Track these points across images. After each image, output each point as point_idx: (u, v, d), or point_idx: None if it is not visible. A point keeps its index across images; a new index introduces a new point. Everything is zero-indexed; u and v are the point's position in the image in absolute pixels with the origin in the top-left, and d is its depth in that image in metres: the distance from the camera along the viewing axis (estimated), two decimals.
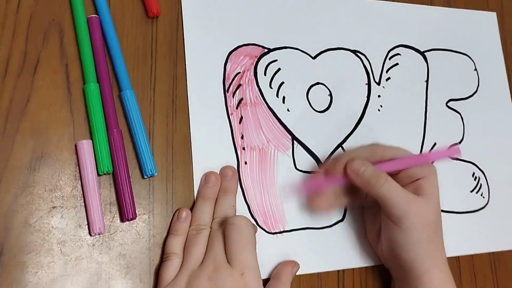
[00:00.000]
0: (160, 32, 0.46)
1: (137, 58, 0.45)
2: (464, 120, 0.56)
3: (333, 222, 0.48)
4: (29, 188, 0.39)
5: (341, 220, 0.48)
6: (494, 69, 0.60)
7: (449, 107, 0.56)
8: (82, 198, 0.40)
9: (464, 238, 0.52)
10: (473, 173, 0.55)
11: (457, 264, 0.51)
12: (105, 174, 0.41)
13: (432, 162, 0.46)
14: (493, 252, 0.53)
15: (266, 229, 0.46)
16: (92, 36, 0.43)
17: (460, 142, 0.55)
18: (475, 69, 0.59)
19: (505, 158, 0.56)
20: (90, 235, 0.40)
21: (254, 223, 0.45)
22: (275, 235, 0.46)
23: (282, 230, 0.46)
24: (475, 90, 0.58)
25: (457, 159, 0.54)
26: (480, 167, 0.55)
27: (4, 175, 0.38)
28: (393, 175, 0.44)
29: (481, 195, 0.54)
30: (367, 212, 0.47)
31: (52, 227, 0.39)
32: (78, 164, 0.40)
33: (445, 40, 0.58)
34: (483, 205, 0.54)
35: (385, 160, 0.44)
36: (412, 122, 0.54)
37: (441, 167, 0.50)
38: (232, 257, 0.39)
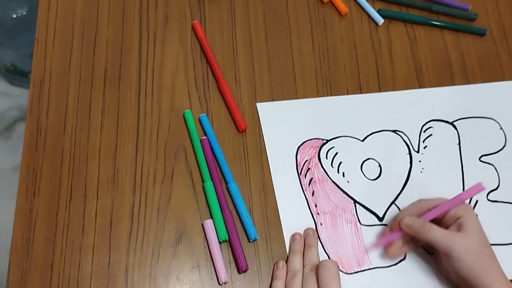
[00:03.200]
0: (248, 140, 0.69)
1: (235, 160, 0.67)
2: (497, 170, 0.71)
3: (397, 261, 0.64)
4: (176, 255, 0.61)
5: (403, 259, 0.64)
6: None
7: (482, 161, 0.72)
8: (211, 259, 0.61)
9: None
10: None
11: None
12: (224, 241, 0.62)
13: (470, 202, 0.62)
14: None
15: (344, 271, 0.63)
16: (204, 150, 0.66)
17: (497, 188, 0.70)
18: (501, 128, 0.75)
19: None
20: (219, 284, 0.60)
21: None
22: (351, 275, 0.63)
23: (357, 270, 0.63)
24: (503, 144, 0.73)
25: (495, 201, 0.69)
26: None
27: (161, 248, 0.61)
28: (440, 219, 0.61)
29: None
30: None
31: (194, 280, 0.60)
32: (205, 236, 0.62)
33: (470, 110, 0.75)
34: None
35: (429, 210, 0.61)
36: (451, 177, 0.70)
37: (485, 209, 0.67)
38: (323, 287, 0.57)
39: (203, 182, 0.65)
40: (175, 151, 0.67)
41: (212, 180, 0.65)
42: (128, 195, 0.63)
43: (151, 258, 0.60)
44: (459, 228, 0.59)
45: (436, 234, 0.58)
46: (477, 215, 0.61)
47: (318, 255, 0.63)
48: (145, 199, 0.63)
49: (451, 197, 0.61)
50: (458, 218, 0.60)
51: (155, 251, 0.61)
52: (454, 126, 0.74)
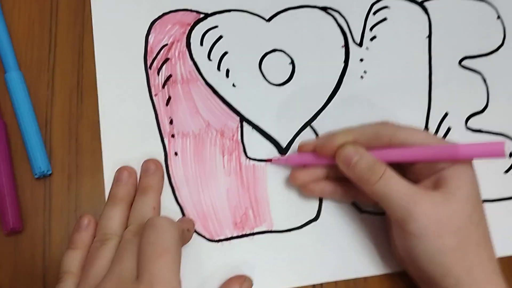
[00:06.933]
0: (62, 0, 0.41)
1: (32, 34, 0.40)
2: (487, 82, 0.45)
3: (303, 222, 0.39)
4: None
5: (315, 219, 0.39)
6: None
7: (464, 67, 0.46)
8: None
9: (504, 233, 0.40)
10: None
11: None
12: None
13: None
14: None
15: (207, 236, 0.37)
16: None
17: (483, 110, 0.44)
18: (499, 17, 0.48)
19: None
20: None
21: (188, 228, 0.36)
22: (219, 243, 0.37)
23: (229, 236, 0.37)
24: (500, 43, 0.47)
25: (478, 130, 0.43)
26: None
27: None
28: (409, 165, 0.35)
29: None
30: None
31: None
32: None
33: None
34: None
35: (393, 145, 0.35)
36: (411, 88, 0.44)
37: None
38: (142, 267, 0.30)
39: None
40: None
41: None
42: None
43: None
44: (437, 185, 0.34)
45: (392, 187, 0.33)
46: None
47: (156, 208, 0.37)
48: None
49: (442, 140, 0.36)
50: (440, 171, 0.34)
51: None
52: (424, 8, 0.47)
